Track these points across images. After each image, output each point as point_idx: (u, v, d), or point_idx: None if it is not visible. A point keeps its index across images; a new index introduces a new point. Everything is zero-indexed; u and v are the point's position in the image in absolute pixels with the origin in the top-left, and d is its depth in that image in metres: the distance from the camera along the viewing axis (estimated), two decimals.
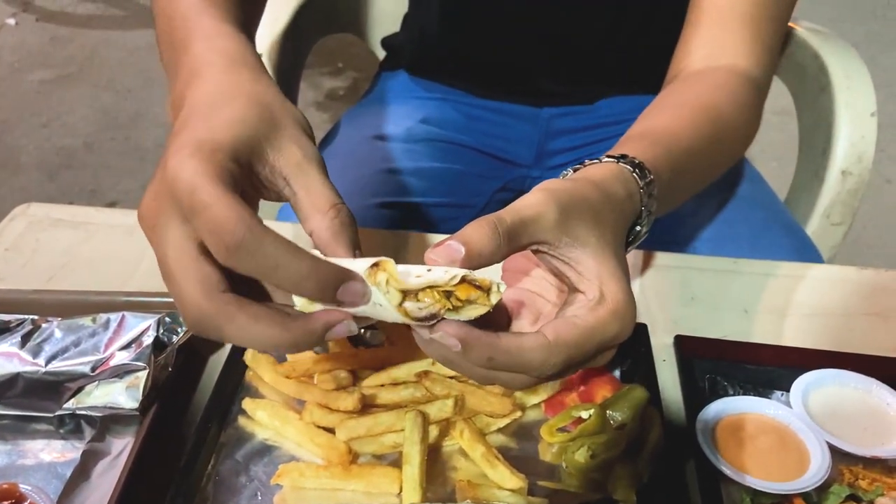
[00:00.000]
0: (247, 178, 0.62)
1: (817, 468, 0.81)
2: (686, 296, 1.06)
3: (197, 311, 0.58)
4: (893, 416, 0.88)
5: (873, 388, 0.90)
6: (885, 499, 0.78)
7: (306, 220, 0.64)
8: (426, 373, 0.83)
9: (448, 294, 0.59)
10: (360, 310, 0.59)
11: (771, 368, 0.92)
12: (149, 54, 4.30)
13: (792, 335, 1.01)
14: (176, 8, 0.78)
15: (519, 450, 0.85)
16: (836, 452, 0.83)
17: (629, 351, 0.93)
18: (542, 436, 0.84)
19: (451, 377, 0.84)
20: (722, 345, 0.95)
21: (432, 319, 0.58)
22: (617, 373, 0.92)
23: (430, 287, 0.58)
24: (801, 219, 1.51)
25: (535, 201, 0.66)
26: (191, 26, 0.75)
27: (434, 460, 0.83)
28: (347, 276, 0.58)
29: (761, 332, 1.01)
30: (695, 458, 0.82)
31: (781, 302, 1.06)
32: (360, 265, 0.59)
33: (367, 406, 0.84)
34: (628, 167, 0.78)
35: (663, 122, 0.98)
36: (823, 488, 0.80)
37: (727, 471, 0.79)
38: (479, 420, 0.85)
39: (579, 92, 1.46)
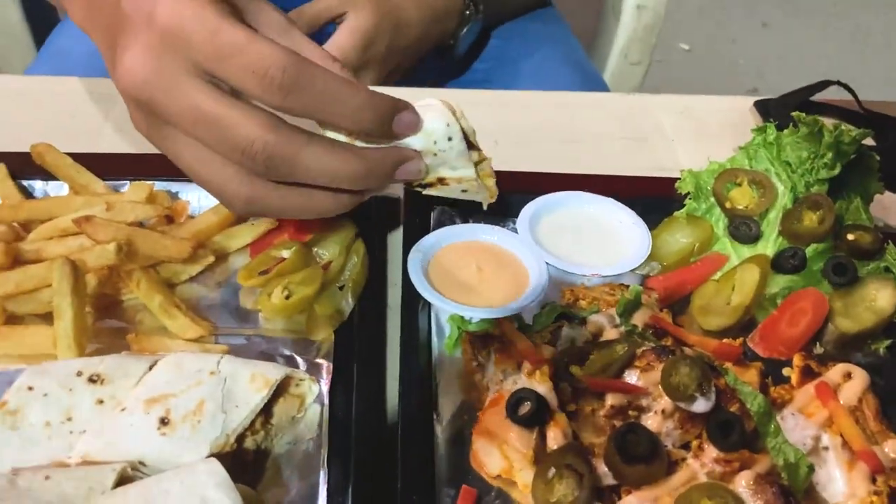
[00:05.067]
0: None
1: (531, 290, 0.75)
2: None
3: (269, 147, 0.51)
4: (624, 235, 0.83)
5: (608, 207, 0.84)
6: (598, 315, 0.73)
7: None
8: (88, 218, 0.72)
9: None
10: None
11: (503, 194, 0.84)
12: None
13: (545, 161, 0.94)
14: None
15: (218, 298, 0.77)
16: (564, 275, 0.78)
17: None
18: (238, 280, 0.75)
19: (119, 221, 0.73)
20: None
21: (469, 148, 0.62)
22: None
23: None
24: (602, 61, 1.45)
25: None
26: None
27: (115, 314, 0.73)
28: (402, 105, 0.56)
29: (512, 162, 0.94)
30: (403, 290, 0.75)
31: (536, 131, 0.99)
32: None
33: (29, 262, 0.73)
34: None
35: None
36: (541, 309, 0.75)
37: (431, 298, 0.73)
38: (165, 269, 0.75)
39: None
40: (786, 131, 0.87)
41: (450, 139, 0.59)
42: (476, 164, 0.61)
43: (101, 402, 0.61)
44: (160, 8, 0.51)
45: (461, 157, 0.60)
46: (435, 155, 0.59)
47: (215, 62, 0.50)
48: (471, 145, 0.60)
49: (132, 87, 0.53)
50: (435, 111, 0.59)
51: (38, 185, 0.83)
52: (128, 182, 0.82)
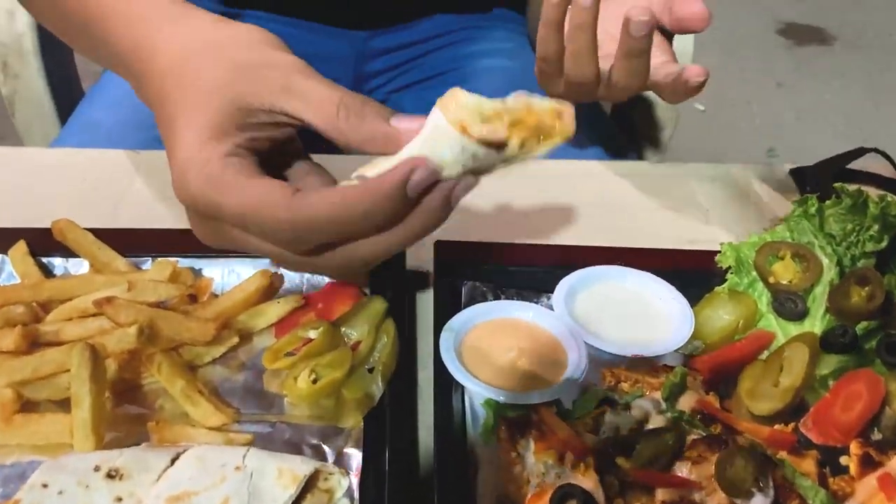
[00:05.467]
0: (256, 132, 0.59)
1: (570, 374, 0.71)
2: None
3: (290, 259, 0.58)
4: (663, 311, 0.79)
5: (647, 282, 0.81)
6: (643, 400, 0.70)
7: (329, 133, 0.58)
8: (109, 299, 0.69)
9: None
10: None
11: (537, 269, 0.82)
12: None
13: (576, 234, 0.92)
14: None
15: (241, 381, 0.73)
16: (603, 355, 0.75)
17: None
18: (263, 362, 0.72)
19: (141, 302, 0.71)
20: (483, 247, 0.84)
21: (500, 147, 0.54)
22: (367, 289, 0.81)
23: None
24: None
25: None
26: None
27: (134, 399, 0.70)
28: (404, 173, 0.53)
29: (545, 235, 0.92)
30: (435, 372, 0.72)
31: (568, 202, 0.96)
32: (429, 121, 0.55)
33: (47, 344, 0.70)
34: None
35: None
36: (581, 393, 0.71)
37: (464, 381, 0.69)
38: (188, 351, 0.72)
39: (399, 11, 1.34)
40: (828, 202, 0.83)
41: (475, 154, 0.54)
42: (521, 146, 0.55)
43: (119, 499, 0.57)
44: (176, 186, 0.58)
45: (497, 159, 0.55)
46: (475, 164, 0.55)
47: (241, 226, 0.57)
48: (500, 146, 0.54)
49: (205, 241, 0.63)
50: (443, 136, 0.54)
51: (57, 262, 0.81)
52: (150, 259, 0.80)
